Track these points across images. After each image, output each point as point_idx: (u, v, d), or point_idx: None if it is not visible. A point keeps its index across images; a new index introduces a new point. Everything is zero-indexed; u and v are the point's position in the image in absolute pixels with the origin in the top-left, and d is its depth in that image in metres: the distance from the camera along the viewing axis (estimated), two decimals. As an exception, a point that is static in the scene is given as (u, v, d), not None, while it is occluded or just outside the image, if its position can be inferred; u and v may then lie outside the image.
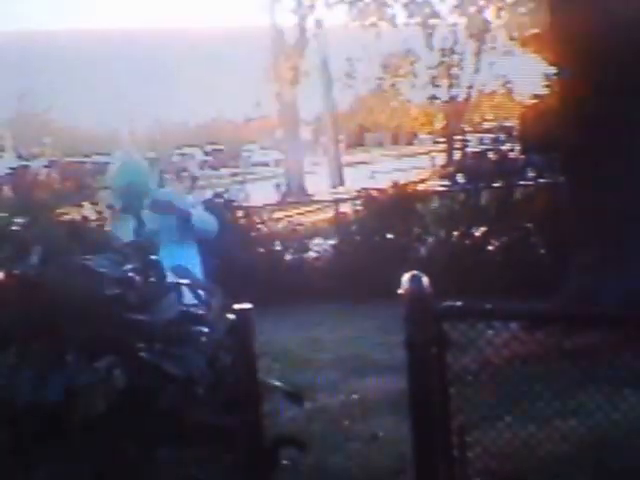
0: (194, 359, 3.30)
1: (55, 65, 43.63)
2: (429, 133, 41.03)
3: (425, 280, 3.43)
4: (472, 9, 32.64)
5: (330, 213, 13.36)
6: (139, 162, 6.18)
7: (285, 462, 3.66)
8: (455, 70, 34.43)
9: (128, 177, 5.92)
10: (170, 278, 3.48)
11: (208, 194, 14.09)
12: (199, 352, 3.34)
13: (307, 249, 12.56)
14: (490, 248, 11.12)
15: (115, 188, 5.99)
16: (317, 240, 12.89)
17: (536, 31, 19.80)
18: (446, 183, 14.67)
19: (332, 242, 12.55)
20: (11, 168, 24.23)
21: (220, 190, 14.20)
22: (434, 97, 35.65)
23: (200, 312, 3.44)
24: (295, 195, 32.48)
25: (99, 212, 6.49)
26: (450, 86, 34.54)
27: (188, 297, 3.47)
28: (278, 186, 34.33)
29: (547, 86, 17.29)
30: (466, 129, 36.75)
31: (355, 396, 6.80)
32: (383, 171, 31.64)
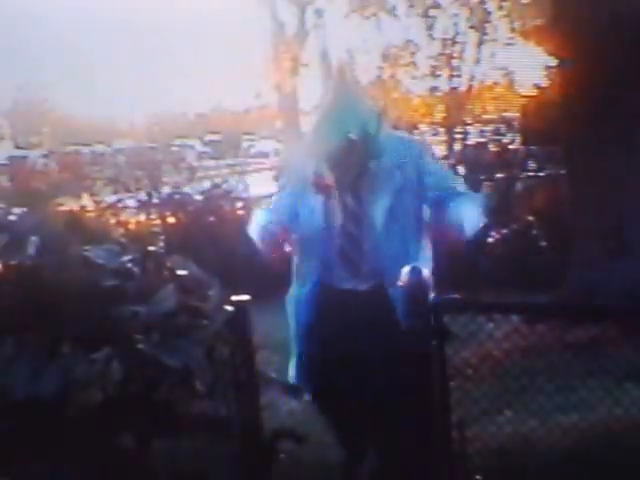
0: (192, 351, 3.28)
1: (51, 54, 43.61)
2: (429, 124, 40.98)
3: (425, 272, 3.42)
4: (473, 0, 32.62)
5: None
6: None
7: (283, 455, 3.65)
8: (456, 61, 34.36)
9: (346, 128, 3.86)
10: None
11: (206, 185, 14.04)
12: (197, 344, 3.32)
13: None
14: (490, 241, 11.09)
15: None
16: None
17: (538, 22, 19.77)
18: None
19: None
20: (9, 158, 24.21)
21: (218, 181, 14.15)
22: (434, 88, 35.59)
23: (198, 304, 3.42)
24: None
25: (97, 202, 6.41)
26: (451, 77, 34.48)
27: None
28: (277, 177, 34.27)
29: (548, 78, 17.27)
30: (467, 120, 36.69)
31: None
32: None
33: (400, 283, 3.34)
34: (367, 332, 3.82)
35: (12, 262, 3.40)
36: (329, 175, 3.83)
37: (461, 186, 4.09)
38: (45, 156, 25.75)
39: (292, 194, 4.07)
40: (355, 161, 3.84)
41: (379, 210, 3.88)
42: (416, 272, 3.32)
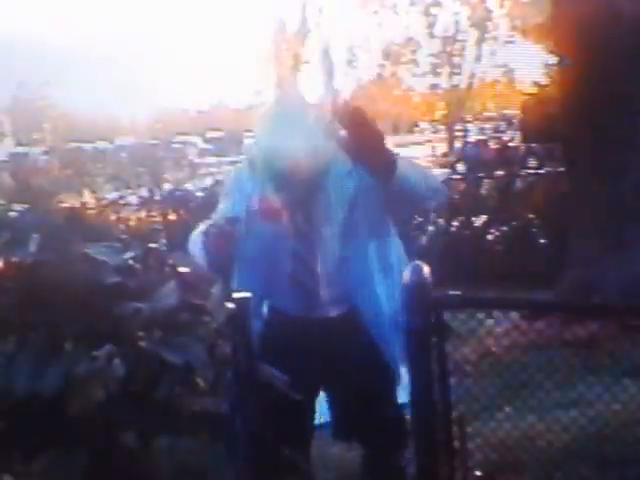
0: (194, 348, 3.29)
1: (53, 51, 43.58)
2: (430, 122, 40.96)
3: (425, 269, 3.42)
4: (474, -2, 32.63)
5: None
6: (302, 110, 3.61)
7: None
8: (456, 59, 34.36)
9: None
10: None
11: (208, 182, 14.04)
12: (199, 341, 3.33)
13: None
14: (490, 238, 11.10)
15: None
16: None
17: (538, 20, 19.75)
18: (446, 172, 14.66)
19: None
20: (10, 155, 24.20)
21: (220, 178, 14.16)
22: (435, 85, 35.59)
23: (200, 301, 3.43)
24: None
25: (99, 199, 6.40)
26: (451, 75, 34.47)
27: None
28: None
29: (548, 75, 17.26)
30: (467, 118, 36.69)
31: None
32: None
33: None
34: (331, 364, 3.69)
35: (13, 259, 3.41)
36: (276, 198, 3.47)
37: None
38: (47, 153, 25.76)
39: (234, 211, 3.62)
40: (305, 178, 3.50)
41: (335, 227, 3.57)
42: (417, 269, 3.32)
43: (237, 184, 3.78)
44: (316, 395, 3.89)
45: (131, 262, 3.46)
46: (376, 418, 3.80)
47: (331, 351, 3.65)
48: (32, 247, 3.35)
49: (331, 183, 3.57)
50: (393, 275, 3.62)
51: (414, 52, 35.47)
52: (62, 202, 4.31)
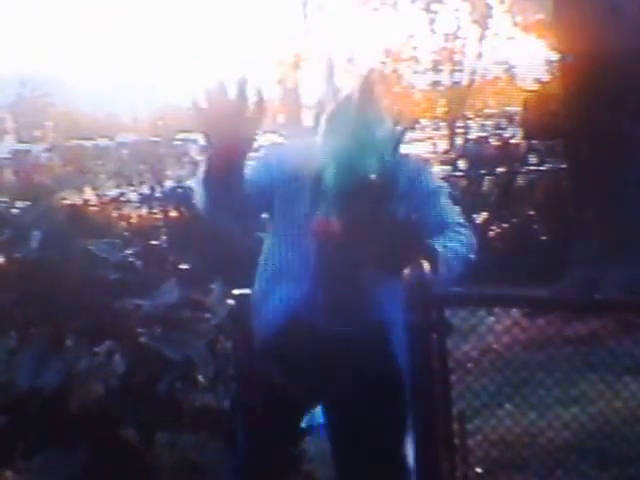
0: (194, 344, 3.29)
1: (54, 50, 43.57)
2: (431, 118, 40.92)
3: (426, 266, 3.41)
4: (475, -6, 32.61)
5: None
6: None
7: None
8: (457, 55, 34.33)
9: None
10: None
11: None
12: (199, 337, 3.33)
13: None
14: (491, 234, 11.10)
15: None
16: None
17: (539, 17, 19.76)
18: (447, 169, 14.65)
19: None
20: (12, 152, 24.21)
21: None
22: (436, 82, 35.56)
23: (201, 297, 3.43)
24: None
25: (100, 196, 6.37)
26: (452, 71, 34.45)
27: None
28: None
29: (549, 72, 17.26)
30: (468, 115, 36.65)
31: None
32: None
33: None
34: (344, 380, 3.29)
35: (15, 255, 3.41)
36: (335, 220, 3.05)
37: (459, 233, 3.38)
38: (48, 150, 25.76)
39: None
40: (370, 204, 3.06)
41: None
42: (417, 266, 3.31)
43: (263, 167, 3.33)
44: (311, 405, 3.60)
45: (132, 259, 3.47)
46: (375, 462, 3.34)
47: (351, 367, 3.28)
48: (34, 244, 3.36)
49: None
50: None
51: (415, 49, 35.45)
52: (64, 199, 4.30)
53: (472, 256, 3.33)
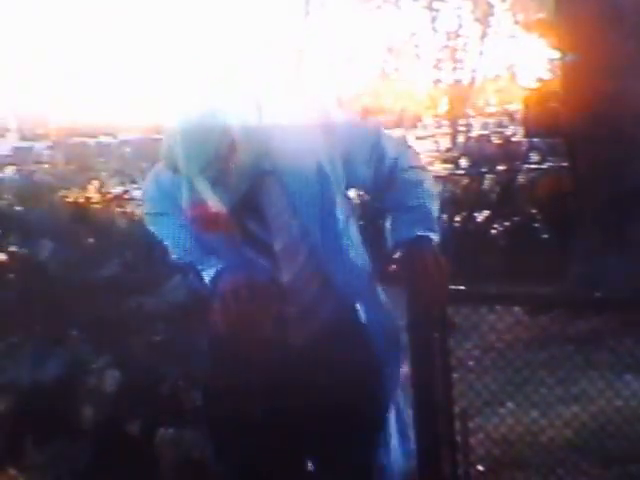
0: (197, 342, 3.30)
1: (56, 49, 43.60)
2: (433, 116, 40.89)
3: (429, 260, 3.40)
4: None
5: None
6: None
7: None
8: (459, 54, 34.34)
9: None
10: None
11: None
12: (202, 335, 3.34)
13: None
14: (493, 233, 11.10)
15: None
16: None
17: (541, 16, 19.76)
18: (449, 167, 14.65)
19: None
20: (14, 149, 24.20)
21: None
22: (438, 80, 35.57)
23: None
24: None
25: (103, 194, 6.36)
26: (454, 70, 34.46)
27: None
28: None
29: (551, 70, 17.27)
30: (470, 113, 36.65)
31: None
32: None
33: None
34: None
35: (18, 252, 3.43)
36: (212, 199, 2.54)
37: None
38: (51, 147, 25.76)
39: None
40: (243, 166, 2.60)
41: (296, 227, 2.72)
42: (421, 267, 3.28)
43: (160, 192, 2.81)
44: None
45: (135, 257, 3.49)
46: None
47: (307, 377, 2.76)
48: (37, 241, 3.37)
49: (285, 169, 2.69)
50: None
51: (417, 47, 35.46)
52: (66, 197, 4.32)
53: (437, 193, 3.01)
